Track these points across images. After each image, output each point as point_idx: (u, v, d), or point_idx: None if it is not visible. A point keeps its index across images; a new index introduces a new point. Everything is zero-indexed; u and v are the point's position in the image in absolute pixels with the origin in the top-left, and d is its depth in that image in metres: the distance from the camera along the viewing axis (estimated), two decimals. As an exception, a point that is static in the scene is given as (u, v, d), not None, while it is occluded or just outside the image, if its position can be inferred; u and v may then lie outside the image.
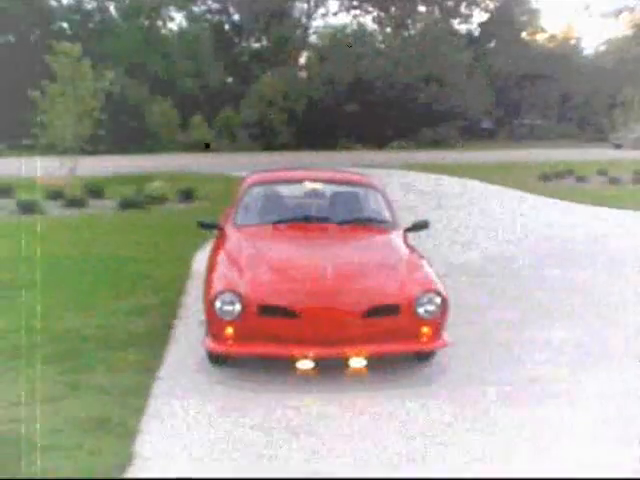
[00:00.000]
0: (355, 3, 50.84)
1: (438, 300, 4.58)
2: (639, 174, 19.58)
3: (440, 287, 4.68)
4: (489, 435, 3.85)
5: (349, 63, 40.52)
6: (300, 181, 6.77)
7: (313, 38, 51.43)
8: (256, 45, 48.58)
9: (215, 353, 4.66)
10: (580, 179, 19.60)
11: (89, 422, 3.89)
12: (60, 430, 3.79)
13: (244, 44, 48.62)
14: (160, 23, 43.53)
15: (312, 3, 50.08)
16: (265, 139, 37.85)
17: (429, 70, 40.78)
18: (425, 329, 4.56)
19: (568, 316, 6.22)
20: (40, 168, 19.07)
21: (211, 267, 5.09)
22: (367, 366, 4.55)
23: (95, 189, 14.80)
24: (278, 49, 45.68)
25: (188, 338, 5.37)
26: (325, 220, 5.86)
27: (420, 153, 33.47)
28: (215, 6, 48.04)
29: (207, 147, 35.32)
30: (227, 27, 48.43)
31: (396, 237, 5.66)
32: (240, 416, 4.05)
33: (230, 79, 46.38)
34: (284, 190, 6.70)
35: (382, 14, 50.57)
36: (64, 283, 7.19)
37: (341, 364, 4.53)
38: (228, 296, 4.47)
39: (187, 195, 14.47)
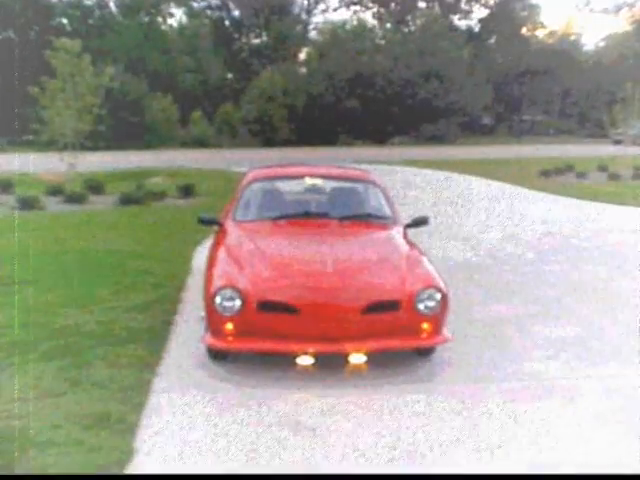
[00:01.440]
0: (355, -1, 50.86)
1: (438, 296, 4.58)
2: (639, 170, 19.59)
3: (440, 283, 4.68)
4: (489, 430, 3.85)
5: (349, 59, 40.45)
6: (300, 177, 6.77)
7: (313, 34, 51.54)
8: (256, 41, 48.56)
9: (215, 349, 4.66)
10: (580, 175, 19.58)
11: (89, 418, 3.89)
12: (60, 426, 3.79)
13: (244, 40, 48.59)
14: (160, 19, 43.60)
15: (312, -1, 50.10)
16: (265, 135, 37.82)
17: (429, 66, 40.70)
18: (425, 325, 4.56)
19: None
20: (40, 164, 19.15)
21: (211, 263, 5.08)
22: (367, 362, 4.55)
23: (95, 185, 14.78)
24: (278, 45, 45.64)
25: (188, 334, 5.36)
26: (325, 216, 5.85)
27: (420, 149, 33.41)
28: (215, 2, 48.06)
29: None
30: (227, 23, 48.41)
31: (396, 233, 5.65)
32: (240, 412, 4.05)
33: (230, 75, 46.39)
34: (284, 186, 6.69)
35: (382, 10, 50.61)
36: (64, 279, 7.18)
37: (341, 360, 4.54)
38: (228, 292, 4.46)
39: (187, 191, 14.46)
